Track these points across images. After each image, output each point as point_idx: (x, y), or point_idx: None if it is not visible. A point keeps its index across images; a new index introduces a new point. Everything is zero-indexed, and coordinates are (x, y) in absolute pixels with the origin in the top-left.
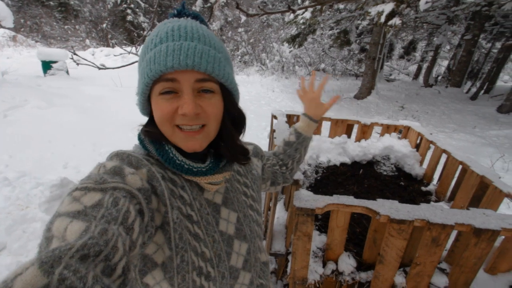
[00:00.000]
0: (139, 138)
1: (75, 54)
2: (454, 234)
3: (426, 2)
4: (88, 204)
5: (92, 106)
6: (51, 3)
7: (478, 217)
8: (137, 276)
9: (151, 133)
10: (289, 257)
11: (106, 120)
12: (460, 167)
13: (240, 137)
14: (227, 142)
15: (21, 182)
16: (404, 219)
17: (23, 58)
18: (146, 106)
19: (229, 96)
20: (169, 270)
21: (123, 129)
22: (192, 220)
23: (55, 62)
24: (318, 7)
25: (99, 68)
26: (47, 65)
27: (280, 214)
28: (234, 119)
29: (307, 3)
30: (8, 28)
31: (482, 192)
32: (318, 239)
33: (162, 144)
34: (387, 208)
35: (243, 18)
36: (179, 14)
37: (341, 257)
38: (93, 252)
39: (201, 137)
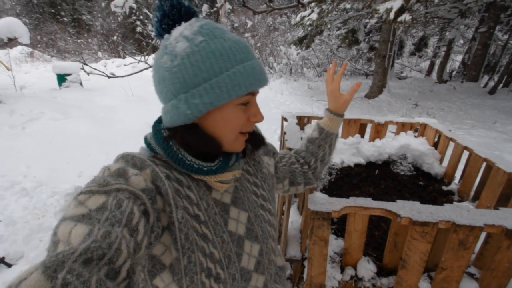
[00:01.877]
0: (146, 141)
1: (85, 64)
2: (482, 236)
3: None
4: (93, 208)
5: (105, 116)
6: (65, 19)
7: (509, 217)
8: (147, 277)
9: (207, 143)
10: (305, 263)
11: (118, 129)
12: (484, 164)
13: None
14: (254, 138)
15: (38, 191)
16: (427, 221)
17: (40, 72)
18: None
19: None
20: (177, 272)
21: (135, 138)
22: (200, 220)
23: (69, 74)
24: (324, 6)
25: (109, 77)
26: (62, 78)
27: (294, 218)
28: None
29: None
30: (25, 45)
31: (511, 191)
32: (335, 244)
33: (170, 145)
34: (408, 209)
35: (250, 23)
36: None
37: (360, 262)
38: (97, 255)
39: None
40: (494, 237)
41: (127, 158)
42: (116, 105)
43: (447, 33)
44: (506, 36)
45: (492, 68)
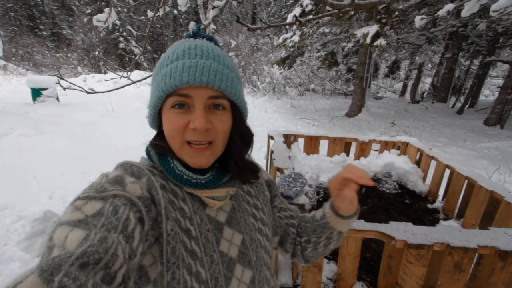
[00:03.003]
0: (147, 150)
1: (61, 79)
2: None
3: (422, 19)
4: (89, 213)
5: (82, 132)
6: (44, 33)
7: (501, 238)
8: None
9: (159, 147)
10: None
11: (96, 146)
12: (466, 182)
13: (248, 153)
14: (236, 157)
15: (1, 216)
16: (422, 244)
17: (12, 86)
18: (156, 119)
19: (239, 113)
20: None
21: (114, 155)
22: (190, 235)
23: (45, 89)
24: (305, 29)
25: (87, 92)
26: (36, 93)
27: None
28: (242, 135)
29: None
30: None
31: (494, 208)
32: (327, 268)
33: (166, 154)
34: (402, 231)
35: (234, 42)
36: (194, 36)
37: (354, 287)
38: (93, 259)
39: (208, 154)
40: (486, 258)
41: (126, 167)
42: (95, 121)
43: (417, 58)
44: (468, 62)
45: (458, 90)
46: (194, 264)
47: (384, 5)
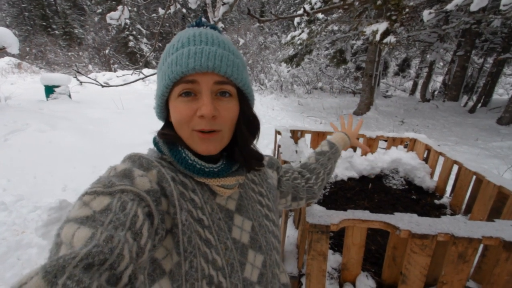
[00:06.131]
0: (154, 141)
1: (78, 72)
2: (479, 248)
3: (430, 13)
4: (97, 209)
5: (94, 128)
6: (57, 32)
7: (506, 229)
8: (146, 281)
9: (167, 135)
10: (302, 280)
11: (106, 142)
12: (474, 177)
13: (255, 142)
14: (241, 145)
15: (18, 206)
16: (426, 234)
17: (27, 84)
18: (164, 110)
19: (246, 100)
20: (177, 278)
21: (124, 151)
22: (203, 225)
23: (57, 86)
24: (313, 27)
25: (102, 86)
26: (49, 90)
27: (290, 233)
28: (249, 123)
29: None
30: (13, 55)
31: (501, 204)
32: (332, 259)
33: (176, 145)
34: (406, 222)
35: (242, 41)
36: (198, 25)
37: (358, 277)
38: (98, 260)
39: (216, 140)
40: (491, 250)
41: (134, 159)
42: (106, 117)
43: (427, 56)
44: (481, 60)
45: (470, 89)
46: (209, 252)
47: None
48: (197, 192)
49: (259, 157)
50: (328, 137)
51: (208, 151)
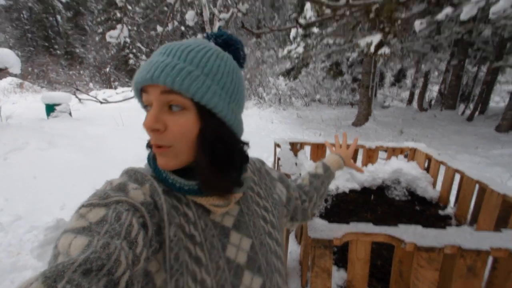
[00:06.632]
0: (148, 157)
1: (78, 90)
2: (489, 261)
3: (421, 23)
4: (93, 221)
5: (93, 145)
6: (58, 52)
7: None
8: None
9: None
10: None
11: (106, 159)
12: (477, 186)
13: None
14: (198, 170)
15: (15, 226)
16: (432, 246)
17: (28, 103)
18: None
19: (207, 117)
20: None
21: (123, 167)
22: (195, 241)
23: (58, 104)
24: (309, 41)
25: (101, 102)
26: (50, 108)
27: (293, 248)
28: (211, 146)
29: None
30: (15, 76)
31: (507, 213)
32: (337, 275)
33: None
34: (411, 234)
35: None
36: (207, 37)
37: None
38: (96, 266)
39: (168, 155)
40: (501, 262)
41: (130, 173)
42: (106, 134)
43: (422, 66)
44: (475, 68)
45: (467, 97)
46: (199, 271)
47: (377, 5)
48: (191, 206)
49: (226, 187)
50: (323, 159)
51: (164, 166)
